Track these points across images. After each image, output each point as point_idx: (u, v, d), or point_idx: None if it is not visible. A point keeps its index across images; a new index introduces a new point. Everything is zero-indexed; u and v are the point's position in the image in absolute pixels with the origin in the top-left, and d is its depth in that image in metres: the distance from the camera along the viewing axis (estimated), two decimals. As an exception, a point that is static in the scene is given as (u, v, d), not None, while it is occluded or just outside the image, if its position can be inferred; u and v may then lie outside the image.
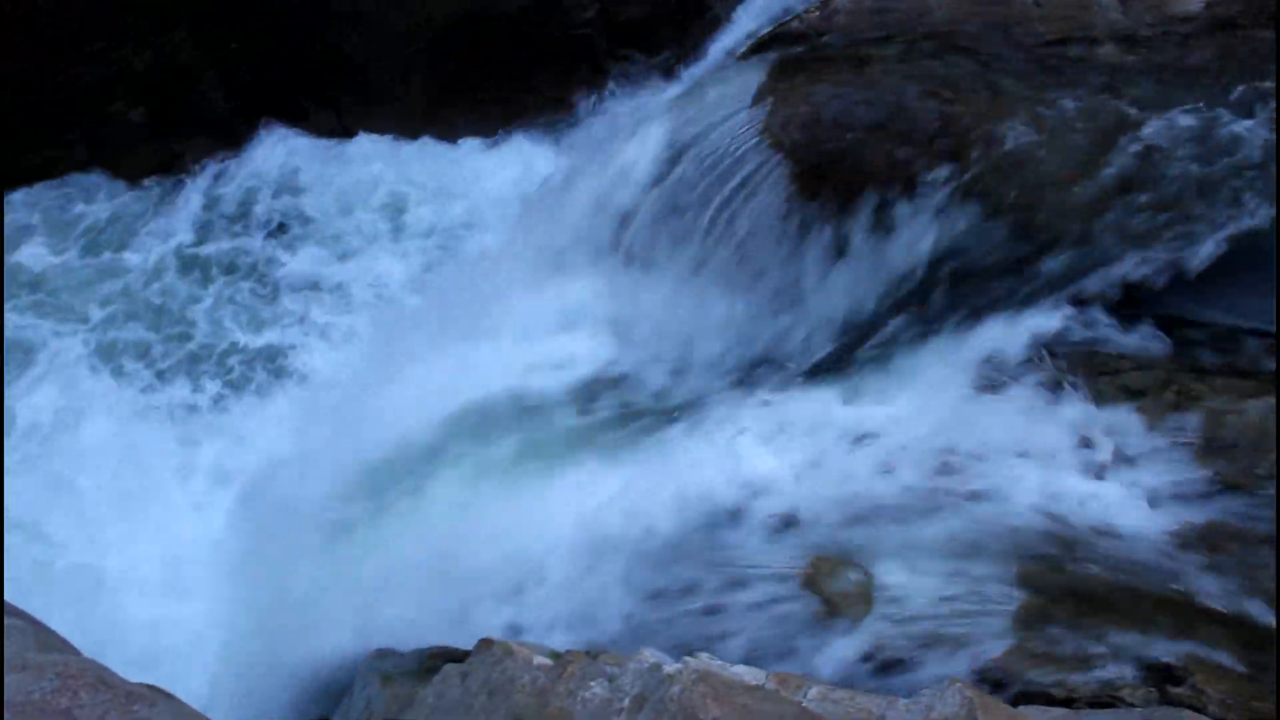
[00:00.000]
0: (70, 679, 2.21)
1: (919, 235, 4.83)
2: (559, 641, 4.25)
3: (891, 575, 4.19)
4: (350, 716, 4.73)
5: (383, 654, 4.82)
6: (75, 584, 6.15)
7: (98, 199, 8.92)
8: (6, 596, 2.87)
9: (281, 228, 8.60)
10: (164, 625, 5.94)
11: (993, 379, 4.51)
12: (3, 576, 1.99)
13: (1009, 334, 4.55)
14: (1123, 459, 4.26)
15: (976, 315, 4.70)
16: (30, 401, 7.25)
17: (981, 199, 4.75)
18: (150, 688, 2.48)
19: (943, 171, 4.80)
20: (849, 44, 5.45)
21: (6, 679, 2.15)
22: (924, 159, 4.83)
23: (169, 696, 2.49)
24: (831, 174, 4.94)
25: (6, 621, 2.60)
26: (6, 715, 2.05)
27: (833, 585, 4.21)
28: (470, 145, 8.79)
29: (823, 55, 5.43)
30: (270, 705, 5.31)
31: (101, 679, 2.28)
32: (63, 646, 2.72)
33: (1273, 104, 4.64)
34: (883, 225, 4.88)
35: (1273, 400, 4.21)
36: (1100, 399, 4.39)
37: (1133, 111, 4.71)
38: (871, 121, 4.94)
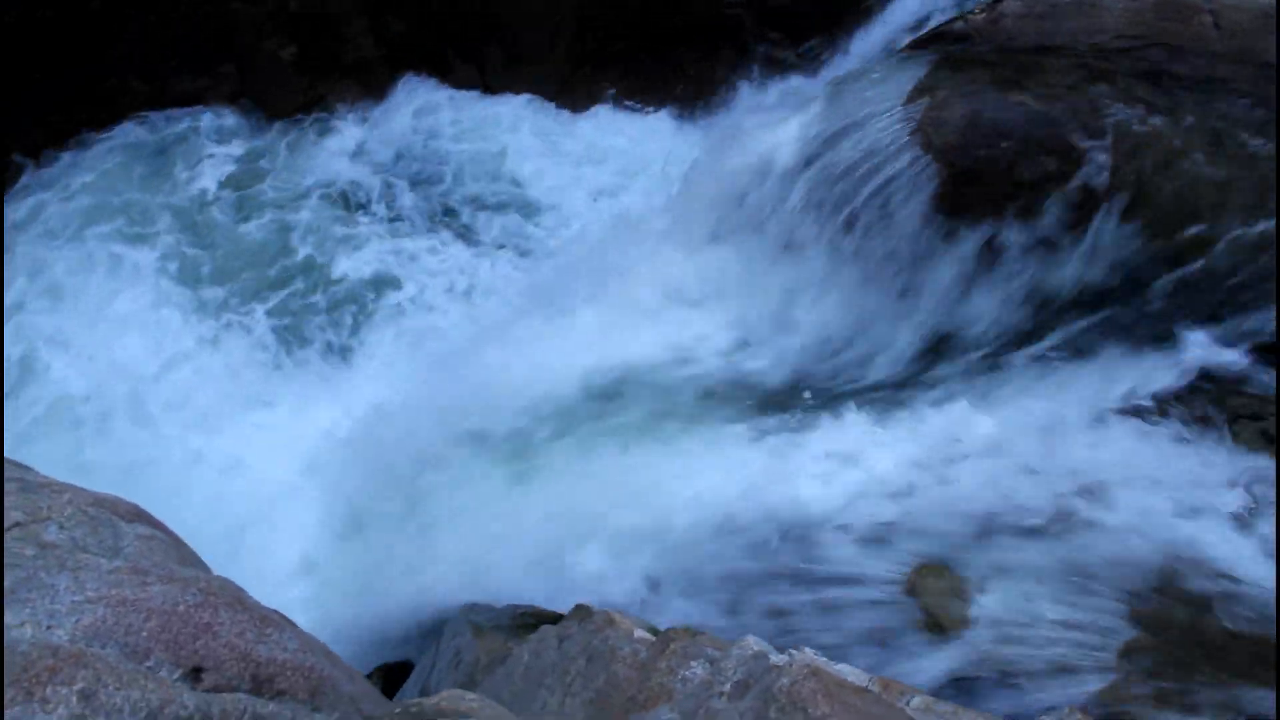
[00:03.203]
0: (211, 595, 2.27)
1: (1068, 254, 4.72)
2: (655, 616, 4.26)
3: (997, 593, 4.10)
4: (438, 663, 4.79)
5: (474, 607, 4.86)
6: (203, 497, 6.37)
7: (241, 130, 9.17)
8: (146, 503, 2.97)
9: (418, 174, 8.74)
10: (273, 544, 6.10)
11: (1131, 408, 4.38)
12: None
13: (1154, 364, 4.42)
14: (1256, 505, 4.11)
15: (1121, 341, 4.57)
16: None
17: (1137, 223, 4.61)
18: (277, 614, 2.54)
19: (1100, 191, 4.67)
20: (1013, 50, 5.32)
21: (156, 588, 2.22)
22: (1082, 176, 4.70)
23: (293, 624, 2.56)
24: (982, 181, 4.83)
25: (150, 533, 2.69)
26: (155, 622, 2.13)
27: (935, 595, 4.14)
28: (610, 114, 8.84)
29: (984, 59, 5.31)
30: (356, 644, 5.41)
31: (239, 599, 2.35)
32: (197, 562, 2.81)
33: None
34: (1030, 239, 4.77)
35: None
36: (1239, 441, 4.24)
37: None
38: (1029, 132, 4.81)
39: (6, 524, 2.40)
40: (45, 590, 2.14)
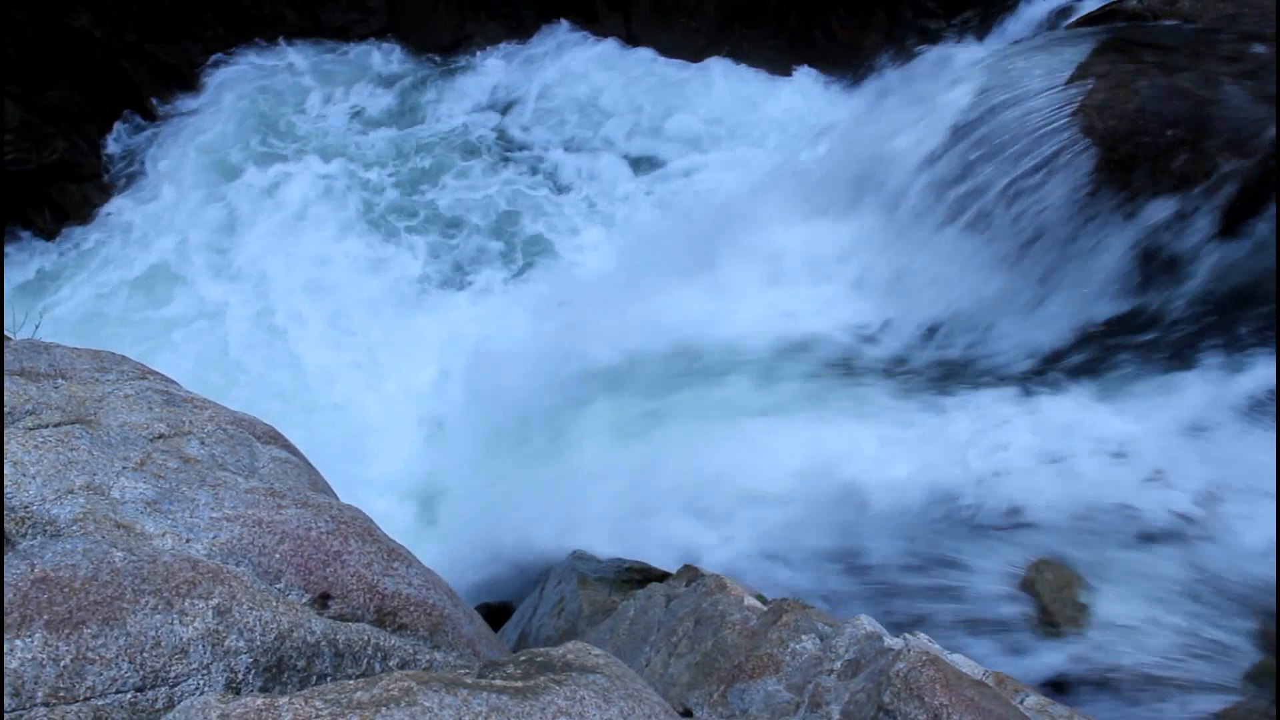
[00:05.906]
0: (343, 524, 2.30)
1: (1227, 252, 4.48)
2: (758, 582, 4.22)
3: (1117, 598, 3.97)
4: (540, 608, 4.83)
5: (581, 556, 4.88)
6: (321, 418, 6.53)
7: (386, 64, 9.30)
8: (283, 430, 3.03)
9: (555, 118, 8.76)
10: (386, 474, 6.22)
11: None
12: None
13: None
14: None
15: (1270, 346, 4.33)
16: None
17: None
18: (403, 548, 2.57)
19: (1266, 188, 4.41)
20: (1189, 34, 5.06)
21: (290, 512, 2.26)
22: (1251, 173, 4.45)
23: (417, 560, 2.58)
24: (1142, 170, 4.61)
25: (285, 456, 2.74)
26: (288, 545, 2.16)
27: (1051, 592, 4.02)
28: (756, 73, 8.72)
29: (1157, 42, 5.06)
30: (458, 582, 5.46)
31: (369, 530, 2.37)
32: (327, 489, 2.85)
33: None
34: (1186, 234, 4.55)
35: None
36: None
37: None
38: (1199, 123, 4.57)
39: (152, 435, 2.46)
40: (186, 504, 2.19)
